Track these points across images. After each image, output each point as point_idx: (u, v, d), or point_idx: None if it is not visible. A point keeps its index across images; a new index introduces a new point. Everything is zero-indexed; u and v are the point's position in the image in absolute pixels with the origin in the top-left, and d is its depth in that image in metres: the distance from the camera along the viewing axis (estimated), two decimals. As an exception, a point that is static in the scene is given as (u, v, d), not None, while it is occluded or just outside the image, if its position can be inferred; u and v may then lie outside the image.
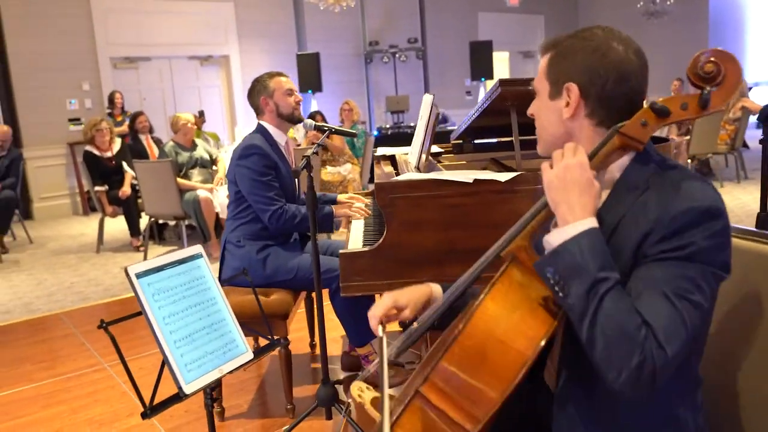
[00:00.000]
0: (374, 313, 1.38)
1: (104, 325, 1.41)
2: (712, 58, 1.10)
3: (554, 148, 1.24)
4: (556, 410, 1.23)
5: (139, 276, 1.46)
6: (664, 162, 1.18)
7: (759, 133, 10.60)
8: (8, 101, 8.23)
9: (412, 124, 10.22)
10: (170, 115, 9.77)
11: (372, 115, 11.73)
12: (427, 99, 2.82)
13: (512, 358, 1.09)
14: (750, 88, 8.57)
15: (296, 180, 2.96)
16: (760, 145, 2.01)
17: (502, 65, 13.06)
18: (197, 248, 1.64)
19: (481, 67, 11.05)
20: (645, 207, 1.12)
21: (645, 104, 1.18)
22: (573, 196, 1.11)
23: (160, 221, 6.63)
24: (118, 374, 3.31)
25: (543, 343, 1.09)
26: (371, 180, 7.21)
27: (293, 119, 2.86)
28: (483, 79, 11.14)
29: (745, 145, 8.59)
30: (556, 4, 14.35)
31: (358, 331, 2.89)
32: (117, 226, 7.06)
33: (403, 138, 8.99)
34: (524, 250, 1.20)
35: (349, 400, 1.39)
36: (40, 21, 8.30)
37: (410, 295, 1.42)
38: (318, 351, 3.44)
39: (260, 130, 2.86)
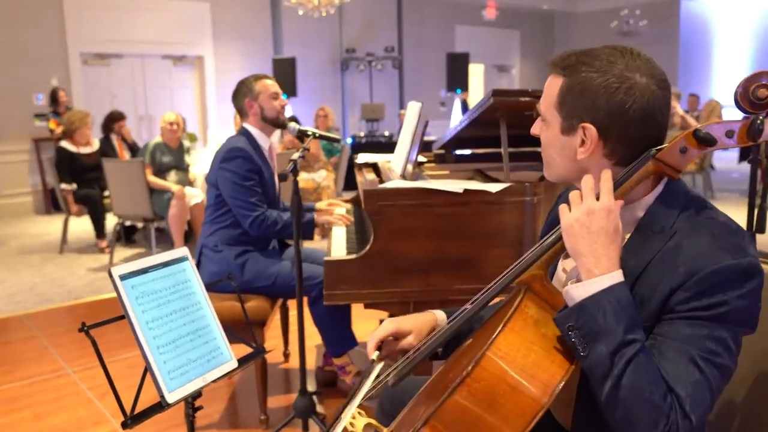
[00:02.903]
0: (374, 335, 1.33)
1: (85, 328, 1.33)
2: (767, 82, 1.00)
3: (565, 181, 1.18)
4: None
5: (123, 278, 1.38)
6: (691, 200, 1.09)
7: (725, 155, 10.81)
8: (-28, 94, 7.97)
9: (386, 133, 10.21)
10: (140, 114, 9.67)
11: (346, 122, 11.69)
12: (414, 107, 2.79)
13: (525, 404, 1.01)
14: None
15: (278, 185, 2.89)
16: (740, 165, 2.04)
17: (477, 78, 13.17)
18: (183, 250, 1.56)
19: (457, 78, 11.13)
20: (674, 256, 1.03)
21: None
22: (599, 245, 1.01)
23: (127, 223, 6.46)
24: (83, 380, 3.19)
25: (559, 389, 1.01)
26: (345, 188, 7.15)
27: (278, 123, 2.80)
28: (458, 90, 11.21)
29: (711, 167, 8.78)
30: (533, 21, 14.55)
31: (337, 340, 2.84)
32: (81, 226, 6.85)
33: (378, 146, 8.96)
34: (539, 280, 1.11)
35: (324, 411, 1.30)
36: (8, 11, 8.04)
37: (414, 322, 1.36)
38: (291, 361, 3.36)
39: (244, 133, 2.79)
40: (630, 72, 1.07)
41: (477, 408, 1.01)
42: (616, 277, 1.01)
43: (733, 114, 1.10)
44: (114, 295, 1.39)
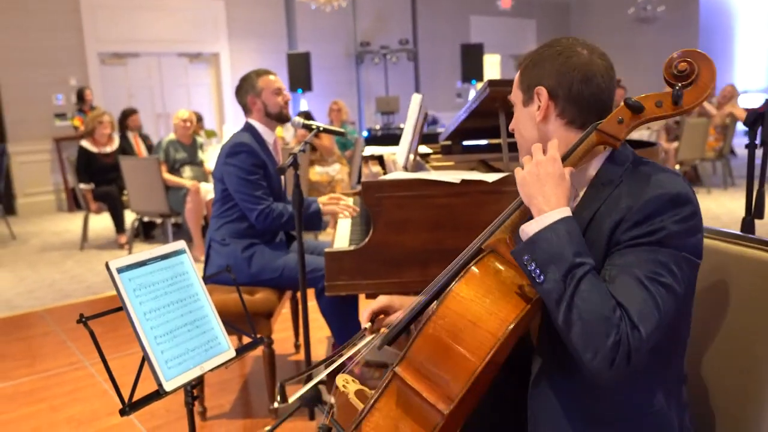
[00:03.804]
0: (368, 308, 1.48)
1: (84, 319, 1.38)
2: (687, 58, 1.16)
3: None
4: (531, 400, 1.25)
5: (120, 270, 1.43)
6: (638, 159, 1.23)
7: (746, 141, 10.71)
8: (-7, 95, 8.14)
9: (401, 126, 10.21)
10: (158, 112, 9.80)
11: (362, 115, 11.71)
12: (416, 98, 2.81)
13: (483, 338, 1.13)
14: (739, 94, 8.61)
15: (283, 178, 2.93)
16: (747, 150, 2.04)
17: (493, 68, 13.10)
18: (180, 243, 1.61)
19: (472, 69, 11.08)
20: (618, 199, 1.16)
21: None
22: (548, 188, 1.16)
23: (146, 219, 6.58)
24: (99, 372, 3.27)
25: (513, 325, 1.13)
26: (359, 181, 7.18)
27: (281, 118, 2.83)
28: (474, 81, 11.16)
29: (732, 152, 8.66)
30: (548, 9, 14.42)
31: (344, 331, 2.87)
32: (102, 223, 6.99)
33: (393, 139, 8.97)
34: (504, 242, 1.23)
35: (332, 400, 1.40)
36: (27, 14, 8.20)
37: (405, 301, 1.48)
38: (302, 352, 3.41)
39: (248, 128, 2.83)
40: (574, 47, 1.26)
41: (443, 341, 1.16)
42: (565, 212, 1.14)
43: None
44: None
